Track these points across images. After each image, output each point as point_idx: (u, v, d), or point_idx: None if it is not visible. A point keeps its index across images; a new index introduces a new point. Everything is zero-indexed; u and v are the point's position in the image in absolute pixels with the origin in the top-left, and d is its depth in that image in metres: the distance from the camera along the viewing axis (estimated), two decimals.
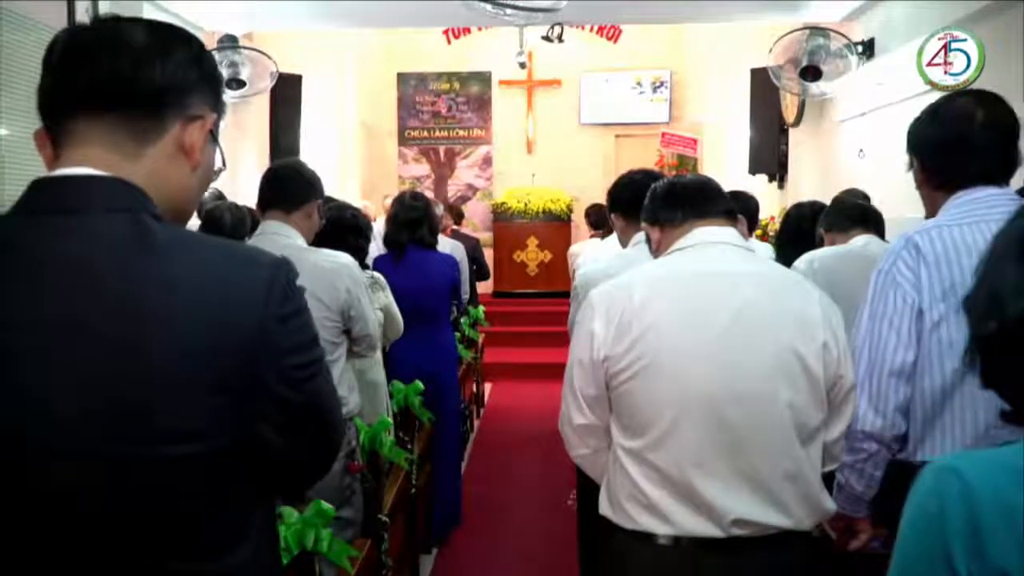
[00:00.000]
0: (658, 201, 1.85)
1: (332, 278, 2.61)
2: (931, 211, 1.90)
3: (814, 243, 2.96)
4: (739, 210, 3.43)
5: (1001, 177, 1.83)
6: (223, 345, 0.92)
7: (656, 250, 1.86)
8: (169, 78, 0.99)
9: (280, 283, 0.97)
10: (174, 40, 1.02)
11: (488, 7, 5.25)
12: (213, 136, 1.06)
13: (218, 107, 1.07)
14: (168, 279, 0.92)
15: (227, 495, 0.97)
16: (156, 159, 1.00)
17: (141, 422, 0.90)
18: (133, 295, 0.91)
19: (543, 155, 11.01)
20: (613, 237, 2.85)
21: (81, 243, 0.92)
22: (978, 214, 1.77)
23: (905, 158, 1.94)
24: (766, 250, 3.58)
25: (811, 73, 5.67)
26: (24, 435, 0.89)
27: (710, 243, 1.73)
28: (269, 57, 6.11)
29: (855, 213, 2.93)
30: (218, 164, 1.11)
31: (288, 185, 2.63)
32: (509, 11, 5.36)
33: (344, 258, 2.72)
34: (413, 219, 3.90)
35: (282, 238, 2.55)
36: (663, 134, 9.18)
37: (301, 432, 1.02)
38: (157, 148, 1.00)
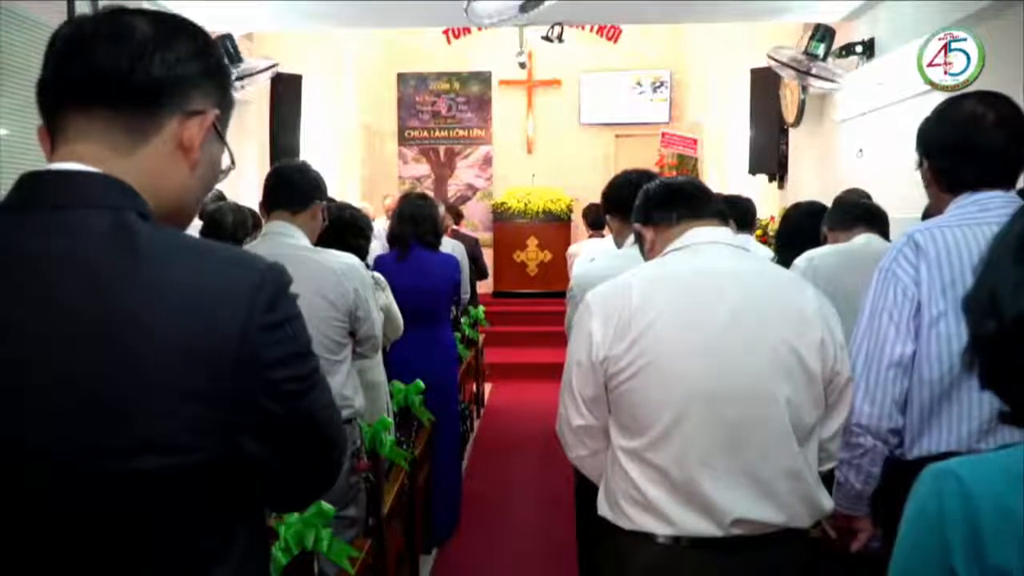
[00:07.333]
0: (652, 201, 1.85)
1: (340, 279, 2.61)
2: (937, 210, 1.90)
3: (814, 243, 2.95)
4: (737, 214, 3.46)
5: (1008, 180, 1.83)
6: (199, 352, 0.86)
7: (649, 250, 1.85)
8: (167, 72, 0.94)
9: (268, 289, 0.91)
10: (177, 32, 0.96)
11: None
12: (219, 133, 1.00)
13: (224, 102, 1.01)
14: (147, 281, 0.87)
15: (203, 513, 0.91)
16: (152, 156, 0.95)
17: (113, 429, 0.85)
18: (108, 296, 0.86)
19: (543, 155, 11.02)
20: (611, 237, 2.85)
21: (60, 240, 0.88)
22: (980, 216, 1.78)
23: (914, 156, 1.94)
24: (764, 253, 3.58)
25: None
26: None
27: (707, 243, 1.74)
28: (270, 67, 6.11)
29: (858, 211, 2.93)
30: (226, 162, 1.05)
31: (294, 186, 2.63)
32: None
33: (351, 259, 2.72)
34: (418, 215, 3.92)
35: (288, 239, 2.55)
36: (663, 134, 9.17)
37: (294, 448, 0.95)
38: (153, 144, 0.95)
